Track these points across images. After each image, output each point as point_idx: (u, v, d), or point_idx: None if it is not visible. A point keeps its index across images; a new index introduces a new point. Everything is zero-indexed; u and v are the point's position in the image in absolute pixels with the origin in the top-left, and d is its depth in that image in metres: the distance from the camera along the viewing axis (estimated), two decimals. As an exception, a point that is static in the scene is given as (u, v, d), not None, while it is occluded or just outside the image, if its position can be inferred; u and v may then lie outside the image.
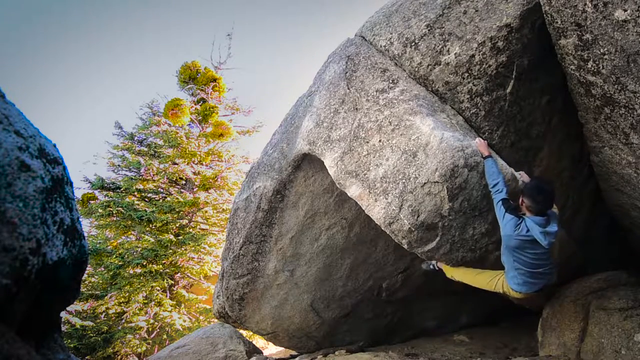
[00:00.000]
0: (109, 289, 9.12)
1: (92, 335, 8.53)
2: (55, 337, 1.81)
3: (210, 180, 10.82)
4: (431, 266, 3.78)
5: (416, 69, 3.24)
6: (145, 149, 11.12)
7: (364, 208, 3.17)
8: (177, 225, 10.01)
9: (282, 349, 7.52)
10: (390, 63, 3.42)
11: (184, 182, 11.11)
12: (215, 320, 6.91)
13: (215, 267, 9.95)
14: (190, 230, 10.26)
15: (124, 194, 10.18)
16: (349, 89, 3.43)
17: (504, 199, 2.70)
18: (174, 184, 11.05)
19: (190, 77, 12.08)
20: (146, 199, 10.62)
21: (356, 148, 3.20)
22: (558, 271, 3.87)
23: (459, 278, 3.41)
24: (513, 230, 2.68)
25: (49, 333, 1.77)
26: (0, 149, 1.33)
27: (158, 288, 9.24)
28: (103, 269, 9.41)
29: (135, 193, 10.33)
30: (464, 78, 3.06)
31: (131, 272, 9.05)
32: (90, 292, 9.28)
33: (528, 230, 2.65)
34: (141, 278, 9.02)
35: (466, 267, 3.34)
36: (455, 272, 3.42)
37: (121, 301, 9.01)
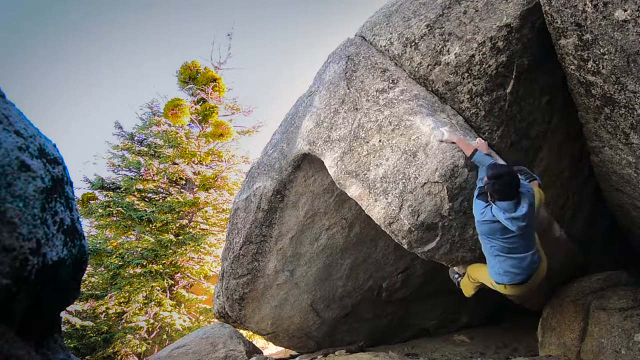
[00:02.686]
0: (109, 289, 9.11)
1: (92, 335, 8.51)
2: (55, 337, 1.81)
3: (210, 180, 10.81)
4: (457, 278, 3.61)
5: (416, 69, 3.24)
6: (145, 149, 11.11)
7: (364, 208, 3.17)
8: (177, 225, 10.01)
9: (282, 349, 7.51)
10: (390, 63, 3.42)
11: (184, 182, 11.10)
12: (215, 320, 6.90)
13: (215, 267, 9.94)
14: (190, 230, 10.25)
15: (124, 194, 10.17)
16: (349, 89, 3.43)
17: (481, 186, 2.65)
18: (174, 184, 11.04)
19: (190, 77, 12.07)
20: (146, 199, 10.62)
21: (356, 148, 3.20)
22: (558, 271, 3.88)
23: (475, 278, 3.21)
24: (479, 215, 2.61)
25: (49, 333, 1.77)
26: (0, 149, 1.33)
27: (158, 288, 9.22)
28: (103, 269, 9.40)
29: (135, 193, 10.32)
30: (464, 78, 3.06)
31: (131, 272, 9.04)
32: (90, 292, 9.27)
33: (494, 215, 2.55)
34: (141, 278, 9.01)
35: (477, 265, 3.16)
36: (472, 273, 3.24)
37: (121, 301, 9.00)
